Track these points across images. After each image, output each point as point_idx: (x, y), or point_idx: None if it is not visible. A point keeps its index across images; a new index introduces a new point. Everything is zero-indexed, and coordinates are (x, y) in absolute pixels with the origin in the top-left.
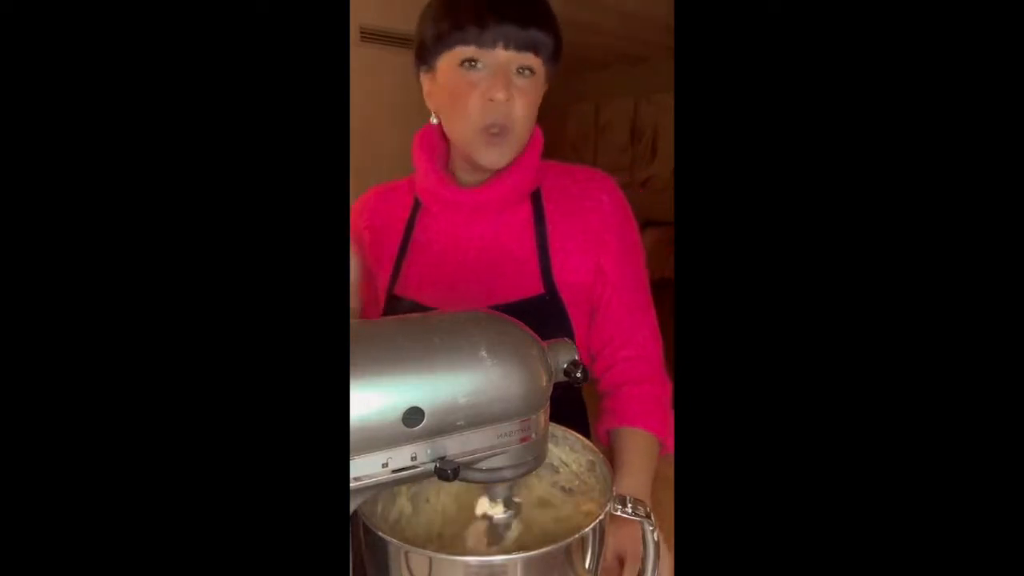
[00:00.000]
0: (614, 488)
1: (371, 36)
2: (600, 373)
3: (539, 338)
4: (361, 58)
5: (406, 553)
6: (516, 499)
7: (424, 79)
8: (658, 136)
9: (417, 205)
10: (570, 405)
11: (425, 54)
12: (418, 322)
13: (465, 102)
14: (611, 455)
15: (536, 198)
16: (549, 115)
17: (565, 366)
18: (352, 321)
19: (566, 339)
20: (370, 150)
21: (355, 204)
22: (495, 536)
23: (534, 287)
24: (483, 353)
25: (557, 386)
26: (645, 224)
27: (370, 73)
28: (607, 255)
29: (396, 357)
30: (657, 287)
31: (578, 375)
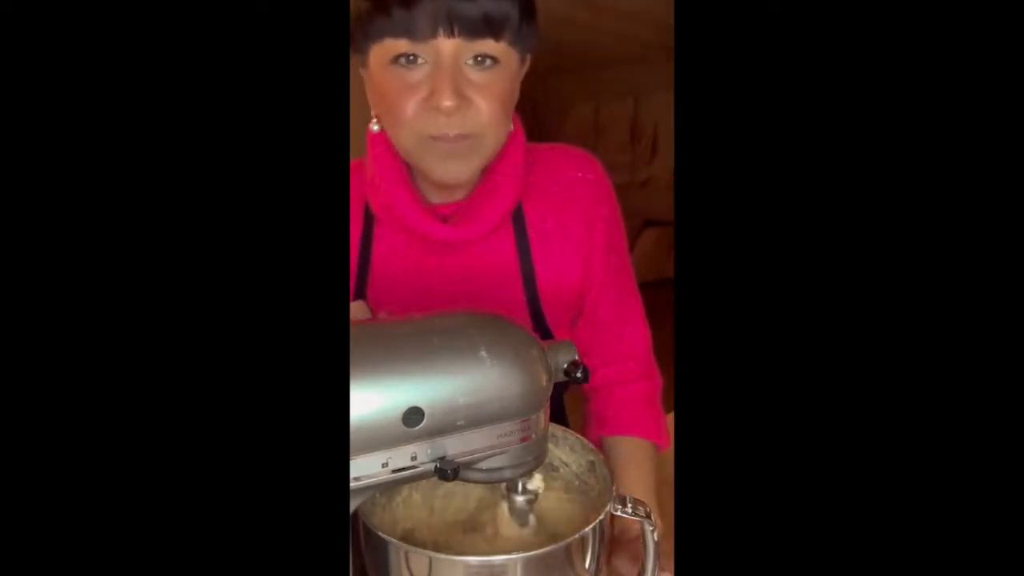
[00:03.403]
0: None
1: None
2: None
3: (539, 338)
4: None
5: (406, 553)
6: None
7: (362, 73)
8: (658, 136)
9: (370, 217)
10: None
11: (355, 43)
12: (418, 322)
13: (404, 109)
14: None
15: (517, 212)
16: (549, 115)
17: (565, 366)
18: (352, 322)
19: (566, 339)
20: None
21: None
22: (521, 520)
23: (519, 314)
24: (483, 353)
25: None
26: (645, 224)
27: None
28: (594, 251)
29: (396, 357)
30: (657, 287)
31: (578, 375)
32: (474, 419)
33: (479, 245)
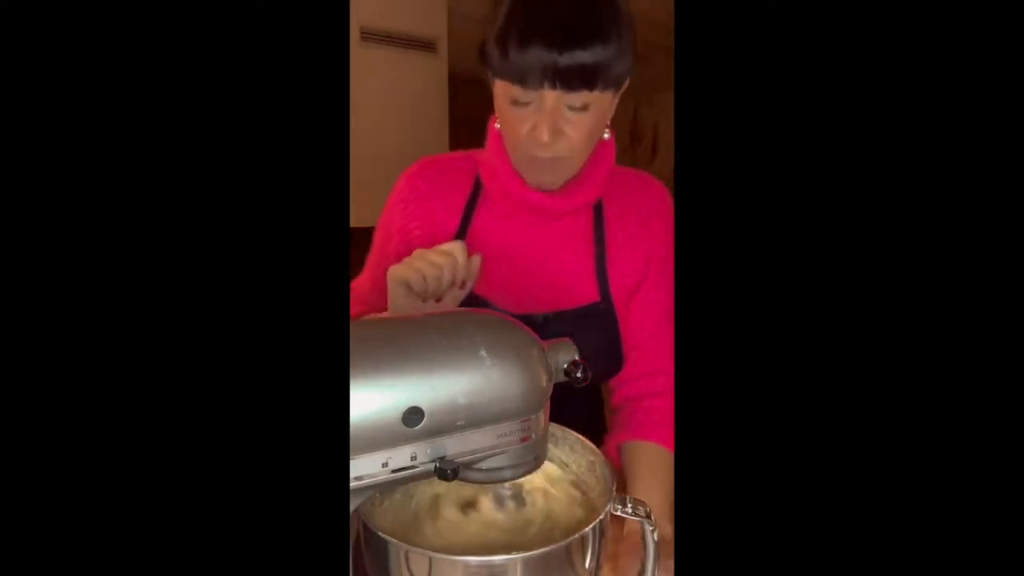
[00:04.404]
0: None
1: (371, 36)
2: (618, 383)
3: (539, 338)
4: (361, 58)
5: (406, 553)
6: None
7: (492, 86)
8: (658, 136)
9: (478, 188)
10: (582, 411)
11: (489, 67)
12: (418, 322)
13: (514, 133)
14: (623, 470)
15: (598, 204)
16: None
17: (565, 366)
18: (352, 321)
19: (566, 339)
20: (370, 150)
21: (403, 178)
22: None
23: (590, 295)
24: (483, 353)
25: (560, 386)
26: None
27: (370, 73)
28: (653, 254)
29: (396, 357)
30: None
31: (578, 375)
32: (474, 419)
33: (563, 221)
